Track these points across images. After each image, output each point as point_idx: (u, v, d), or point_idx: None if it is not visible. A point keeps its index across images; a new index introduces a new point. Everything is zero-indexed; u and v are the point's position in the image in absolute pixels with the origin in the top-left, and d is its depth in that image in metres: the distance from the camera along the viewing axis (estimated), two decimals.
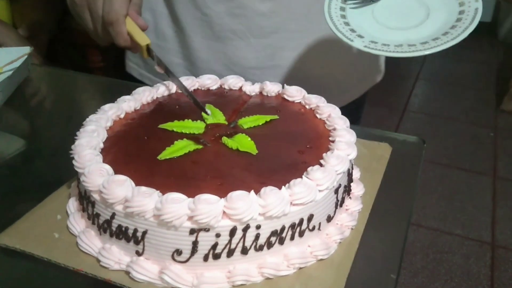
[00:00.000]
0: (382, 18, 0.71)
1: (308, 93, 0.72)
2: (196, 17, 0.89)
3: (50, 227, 0.57)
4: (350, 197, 0.62)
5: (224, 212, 0.48)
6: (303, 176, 0.53)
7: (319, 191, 0.53)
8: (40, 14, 1.44)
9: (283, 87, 0.74)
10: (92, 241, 0.53)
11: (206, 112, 0.67)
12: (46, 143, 0.87)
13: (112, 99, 0.70)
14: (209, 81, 0.75)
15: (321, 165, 0.56)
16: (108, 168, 0.53)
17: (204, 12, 0.87)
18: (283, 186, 0.51)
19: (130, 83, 1.00)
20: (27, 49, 0.99)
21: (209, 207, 0.48)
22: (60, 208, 0.60)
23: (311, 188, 0.52)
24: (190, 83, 0.74)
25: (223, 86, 0.77)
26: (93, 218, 0.54)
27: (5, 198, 0.70)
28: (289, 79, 0.92)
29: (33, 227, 0.57)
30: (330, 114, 0.67)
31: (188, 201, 0.48)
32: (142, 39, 0.71)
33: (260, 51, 0.90)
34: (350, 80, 1.00)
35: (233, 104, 0.72)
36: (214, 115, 0.67)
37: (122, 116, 0.67)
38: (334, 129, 0.64)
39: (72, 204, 0.59)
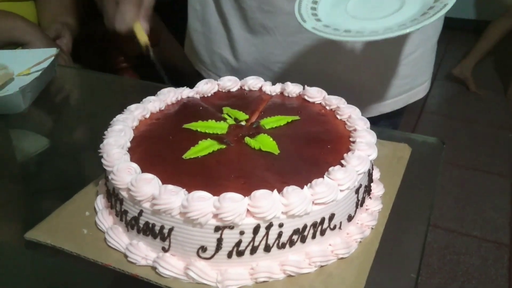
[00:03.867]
0: (353, 9, 0.73)
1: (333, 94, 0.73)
2: (236, 9, 0.95)
3: (79, 223, 0.59)
4: (370, 197, 0.63)
5: (248, 210, 0.50)
6: (324, 176, 0.55)
7: (340, 190, 0.54)
8: (66, 16, 1.47)
9: (304, 88, 0.76)
10: (119, 237, 0.55)
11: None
12: (71, 142, 0.90)
13: (136, 99, 0.72)
14: (229, 83, 0.77)
15: (342, 165, 0.57)
16: (135, 166, 0.55)
17: (241, 5, 0.93)
18: (305, 186, 0.52)
19: (154, 84, 1.02)
20: (53, 51, 1.02)
21: (234, 205, 0.49)
22: (88, 205, 0.62)
23: (333, 187, 0.53)
24: (210, 86, 0.76)
25: (243, 88, 0.78)
26: (121, 215, 0.56)
27: (32, 195, 0.73)
28: (313, 80, 0.94)
29: (63, 223, 0.60)
30: (351, 115, 0.68)
31: (213, 199, 0.50)
32: (143, 39, 0.80)
33: (285, 48, 0.93)
34: (382, 88, 1.00)
35: (253, 104, 0.73)
36: (235, 115, 0.69)
37: (147, 116, 0.69)
38: (355, 130, 0.65)
39: (100, 201, 0.61)
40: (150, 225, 0.52)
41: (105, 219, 0.58)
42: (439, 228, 2.09)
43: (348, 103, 0.71)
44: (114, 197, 0.56)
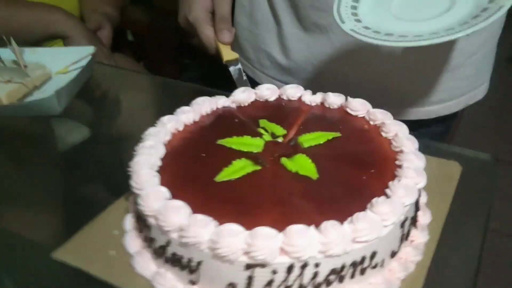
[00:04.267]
0: (397, 9, 0.67)
1: (379, 106, 0.68)
2: (288, 6, 0.93)
3: (106, 243, 0.57)
4: (415, 227, 0.58)
5: (282, 248, 0.46)
6: (367, 209, 0.50)
7: (384, 226, 0.49)
8: (106, 6, 1.46)
9: (346, 99, 0.71)
10: (147, 264, 0.53)
11: None
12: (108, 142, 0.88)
13: (172, 101, 0.69)
14: (267, 92, 0.73)
15: (386, 195, 0.53)
16: (165, 191, 0.52)
17: (294, 2, 0.90)
18: (345, 222, 0.48)
19: (189, 85, 1.00)
20: (91, 49, 1.00)
21: (267, 242, 0.45)
22: (118, 223, 0.60)
23: (376, 223, 0.49)
24: (247, 95, 0.72)
25: (281, 97, 0.73)
26: (149, 240, 0.53)
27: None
28: (365, 80, 0.91)
29: (90, 243, 0.58)
30: (397, 133, 0.63)
31: (244, 234, 0.46)
32: (226, 54, 0.84)
33: (338, 48, 0.90)
34: (440, 91, 0.94)
35: (291, 116, 0.69)
36: (272, 130, 0.65)
37: (180, 128, 0.66)
38: (401, 152, 0.60)
39: (129, 221, 0.59)
40: (178, 257, 0.49)
41: (134, 242, 0.56)
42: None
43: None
44: (142, 222, 0.54)
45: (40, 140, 0.90)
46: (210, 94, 0.73)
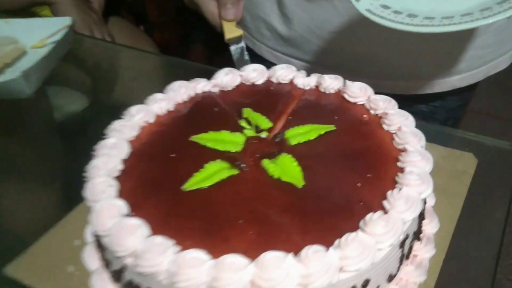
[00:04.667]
0: None
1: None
2: None
3: (65, 257, 0.51)
4: (420, 240, 0.50)
5: (253, 281, 0.38)
6: (359, 228, 0.42)
7: (379, 249, 0.41)
8: None
9: (344, 83, 0.61)
10: (106, 286, 0.46)
11: None
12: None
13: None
14: (254, 74, 0.63)
15: (384, 209, 0.44)
16: (121, 205, 0.45)
17: None
18: (331, 247, 0.40)
19: (184, 62, 0.91)
20: (67, 20, 0.91)
21: (235, 275, 0.38)
22: (80, 231, 0.53)
23: (369, 247, 0.40)
24: (231, 78, 0.63)
25: (270, 79, 0.64)
26: (105, 262, 0.46)
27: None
28: (373, 51, 0.82)
29: (47, 256, 0.51)
30: (401, 126, 0.53)
31: (209, 264, 0.39)
32: (228, 31, 0.74)
33: (344, 15, 0.80)
34: (459, 61, 0.85)
35: (281, 104, 0.60)
36: (256, 122, 0.56)
37: (151, 120, 0.57)
38: (405, 150, 0.51)
39: (90, 232, 0.51)
40: (135, 285, 0.42)
41: (92, 258, 0.49)
42: None
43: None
44: (98, 241, 0.47)
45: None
46: (208, 74, 0.64)
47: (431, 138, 0.55)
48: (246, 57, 0.75)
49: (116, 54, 1.11)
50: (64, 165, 0.76)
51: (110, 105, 0.91)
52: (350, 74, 0.88)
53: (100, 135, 0.69)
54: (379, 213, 0.43)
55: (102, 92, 0.97)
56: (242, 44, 0.75)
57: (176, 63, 0.99)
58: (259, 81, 0.64)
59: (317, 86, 0.63)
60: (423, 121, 0.95)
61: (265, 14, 0.90)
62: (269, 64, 0.98)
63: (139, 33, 1.56)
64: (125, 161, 0.51)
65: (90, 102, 0.91)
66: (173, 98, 0.60)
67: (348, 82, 0.60)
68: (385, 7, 0.52)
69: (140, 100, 0.59)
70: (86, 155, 0.65)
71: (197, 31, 1.83)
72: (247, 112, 0.58)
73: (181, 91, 0.60)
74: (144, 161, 0.52)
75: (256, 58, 0.95)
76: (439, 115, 0.95)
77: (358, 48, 0.83)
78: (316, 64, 0.90)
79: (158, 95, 0.60)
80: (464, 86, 0.89)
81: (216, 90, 0.63)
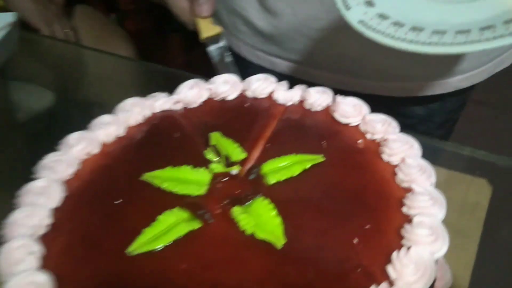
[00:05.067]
0: None
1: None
2: None
3: None
4: None
5: None
6: None
7: None
8: None
9: (333, 99, 0.50)
10: None
11: None
12: None
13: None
14: (225, 87, 0.52)
15: (388, 278, 0.34)
16: (43, 282, 0.34)
17: None
18: None
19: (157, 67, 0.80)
20: (10, 16, 0.78)
21: None
22: None
23: None
24: (197, 92, 0.52)
25: (245, 93, 0.53)
26: None
27: None
28: (363, 59, 0.73)
29: None
30: (405, 158, 0.43)
31: None
32: (204, 29, 0.63)
33: (332, 11, 0.68)
34: (461, 60, 0.74)
35: (257, 126, 0.49)
36: (227, 151, 0.45)
37: (95, 151, 0.46)
38: (411, 191, 0.40)
39: None
40: None
41: None
42: None
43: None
44: None
45: None
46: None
47: (432, 158, 0.45)
48: (228, 58, 0.65)
49: (79, 52, 0.99)
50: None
51: (79, 103, 0.82)
52: (340, 74, 0.78)
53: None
54: (384, 286, 0.33)
55: (70, 89, 0.87)
56: (222, 43, 0.64)
57: (147, 66, 0.88)
58: (231, 95, 0.53)
59: (301, 102, 0.52)
60: (420, 124, 0.87)
61: (241, 8, 0.78)
62: (247, 64, 0.87)
63: (109, 23, 1.43)
64: (56, 212, 0.40)
65: (56, 100, 0.80)
66: (124, 120, 0.49)
67: (339, 98, 0.50)
68: (383, 17, 0.41)
69: (110, 99, 0.48)
70: None
71: (174, 20, 1.70)
72: (215, 138, 0.47)
73: (134, 111, 0.49)
74: (82, 210, 0.40)
75: (233, 56, 0.83)
76: (437, 118, 0.85)
77: (349, 47, 0.72)
78: (302, 64, 0.79)
79: (104, 118, 0.48)
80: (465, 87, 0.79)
81: (178, 107, 0.52)
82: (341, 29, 0.70)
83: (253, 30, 0.80)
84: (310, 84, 0.81)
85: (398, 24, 0.40)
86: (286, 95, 0.52)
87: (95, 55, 0.92)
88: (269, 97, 0.53)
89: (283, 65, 0.81)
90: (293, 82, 0.82)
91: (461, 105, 0.88)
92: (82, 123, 0.70)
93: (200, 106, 0.52)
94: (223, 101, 0.52)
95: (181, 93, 0.52)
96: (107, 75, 0.88)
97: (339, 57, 0.74)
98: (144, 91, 0.52)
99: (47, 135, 0.68)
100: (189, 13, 0.64)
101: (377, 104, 0.80)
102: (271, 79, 0.53)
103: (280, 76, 0.76)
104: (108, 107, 0.50)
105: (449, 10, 0.41)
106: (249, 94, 0.53)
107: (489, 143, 0.99)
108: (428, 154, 0.44)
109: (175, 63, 1.57)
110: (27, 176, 0.62)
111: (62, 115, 0.75)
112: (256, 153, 0.46)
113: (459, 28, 0.38)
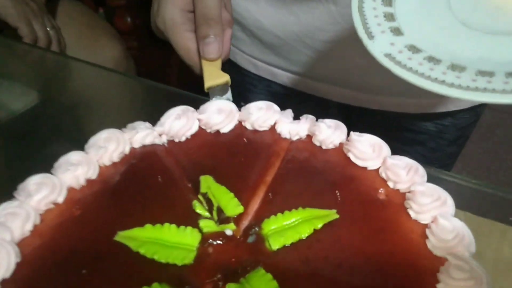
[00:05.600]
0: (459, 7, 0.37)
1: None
2: None
3: None
4: None
5: None
6: None
7: None
8: None
9: (348, 135, 0.42)
10: None
11: None
12: None
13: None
14: (219, 118, 0.44)
15: None
16: None
17: None
18: None
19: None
20: None
21: None
22: None
23: None
24: (185, 123, 0.43)
25: (243, 124, 0.45)
26: None
27: None
28: (375, 74, 0.62)
29: None
30: (437, 217, 0.35)
31: None
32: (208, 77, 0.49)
33: (341, 23, 0.62)
34: None
35: (257, 168, 0.41)
36: (219, 202, 0.37)
37: (60, 200, 0.38)
38: (447, 263, 0.33)
39: None
40: None
41: None
42: None
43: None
44: None
45: None
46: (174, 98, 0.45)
47: (463, 198, 0.38)
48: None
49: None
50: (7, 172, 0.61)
51: (63, 103, 0.74)
52: (346, 88, 0.70)
53: (51, 139, 0.55)
54: None
55: (55, 88, 0.79)
56: (228, 95, 0.52)
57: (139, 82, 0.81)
58: (227, 127, 0.44)
59: (309, 136, 0.44)
60: (431, 141, 0.80)
61: (238, 14, 0.69)
62: (245, 73, 0.79)
63: (96, 19, 1.33)
64: (4, 285, 0.32)
65: (40, 100, 0.74)
66: (97, 159, 0.40)
67: (354, 135, 0.42)
68: (414, 49, 0.33)
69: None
70: (34, 159, 0.51)
71: None
72: (206, 183, 0.39)
73: (109, 148, 0.41)
74: (37, 283, 0.32)
75: (229, 65, 0.74)
76: (448, 135, 0.78)
77: (357, 61, 0.65)
78: (306, 76, 0.71)
79: (73, 155, 0.40)
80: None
81: (162, 141, 0.44)
82: (349, 42, 0.62)
83: (251, 38, 0.72)
84: (313, 98, 0.74)
85: (433, 60, 0.32)
86: (291, 128, 0.44)
87: (77, 64, 0.84)
88: (272, 129, 0.44)
89: (284, 77, 0.74)
90: (294, 95, 0.75)
91: (474, 122, 0.81)
92: (67, 125, 0.64)
93: (188, 140, 0.44)
94: (216, 134, 0.44)
95: (166, 124, 0.44)
96: (93, 76, 0.80)
97: (345, 70, 0.67)
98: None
99: (28, 136, 0.63)
100: (195, 56, 0.52)
101: (385, 119, 0.73)
102: (274, 107, 0.45)
103: (280, 88, 0.67)
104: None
105: (496, 43, 0.33)
106: (249, 126, 0.45)
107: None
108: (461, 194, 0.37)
109: (169, 64, 1.49)
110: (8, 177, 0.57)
111: (46, 116, 0.69)
112: (254, 205, 0.38)
113: (510, 69, 0.31)
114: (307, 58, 0.69)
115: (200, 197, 0.38)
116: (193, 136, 0.44)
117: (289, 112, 0.45)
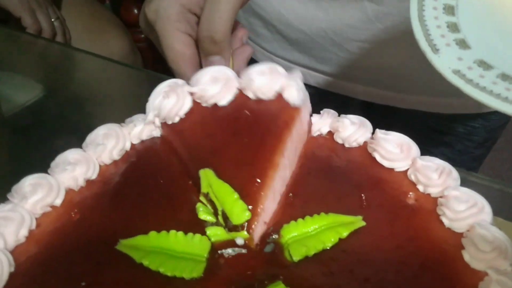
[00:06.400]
0: None
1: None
2: None
3: None
4: None
5: None
6: None
7: None
8: None
9: (372, 134, 0.39)
10: None
11: None
12: None
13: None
14: (214, 88, 0.39)
15: None
16: None
17: None
18: None
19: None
20: None
21: None
22: None
23: None
24: (176, 101, 0.39)
25: (245, 93, 0.40)
26: None
27: None
28: (403, 73, 0.63)
29: None
30: (475, 226, 0.32)
31: None
32: None
33: (374, 22, 0.58)
34: None
35: (265, 149, 0.36)
36: (223, 204, 0.33)
37: (58, 202, 0.34)
38: (486, 278, 0.29)
39: None
40: None
41: None
42: None
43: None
44: None
45: None
46: None
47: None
48: None
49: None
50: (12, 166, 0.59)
51: (69, 96, 0.73)
52: (375, 88, 0.66)
53: (56, 132, 0.53)
54: None
55: (59, 81, 0.77)
56: None
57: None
58: (225, 98, 0.39)
59: (330, 133, 0.40)
60: (458, 142, 0.76)
61: (260, 8, 0.65)
62: None
63: (102, 10, 1.30)
64: None
65: (44, 93, 0.72)
66: (96, 157, 0.37)
67: (380, 133, 0.38)
68: (485, 65, 0.29)
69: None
70: (38, 154, 0.50)
71: None
72: (206, 180, 0.34)
73: (108, 145, 0.37)
74: None
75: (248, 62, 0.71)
76: (477, 137, 0.75)
77: (389, 60, 0.61)
78: (332, 76, 0.68)
79: (71, 154, 0.37)
80: None
81: (157, 132, 0.40)
82: (383, 42, 0.59)
83: (274, 34, 0.68)
84: (335, 95, 0.70)
85: (508, 79, 0.28)
86: (314, 122, 0.40)
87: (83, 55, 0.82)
88: (279, 97, 0.39)
89: (307, 75, 0.70)
90: (316, 93, 0.71)
91: (504, 124, 0.78)
92: (73, 118, 0.63)
93: (183, 121, 0.39)
94: (214, 107, 0.39)
95: (154, 102, 0.39)
96: (99, 68, 0.78)
97: (375, 70, 0.64)
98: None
99: (34, 129, 0.62)
100: (184, 63, 0.44)
101: (411, 118, 0.69)
102: (279, 70, 0.40)
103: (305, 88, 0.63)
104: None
105: None
106: (251, 95, 0.39)
107: None
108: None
109: None
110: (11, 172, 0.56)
111: (52, 110, 0.68)
112: (267, 202, 0.33)
113: None
114: (334, 56, 0.65)
115: (202, 198, 0.34)
116: (187, 114, 0.39)
117: (298, 74, 0.40)
